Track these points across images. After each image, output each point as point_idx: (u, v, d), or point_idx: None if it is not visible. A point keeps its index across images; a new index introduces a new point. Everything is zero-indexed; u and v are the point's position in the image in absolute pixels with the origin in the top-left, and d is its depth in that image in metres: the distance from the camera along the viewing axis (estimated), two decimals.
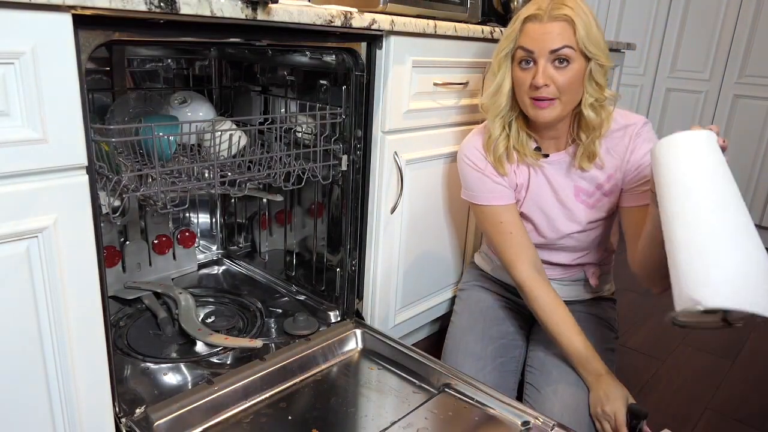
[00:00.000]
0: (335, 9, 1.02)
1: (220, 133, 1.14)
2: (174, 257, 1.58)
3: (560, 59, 1.05)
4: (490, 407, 1.07)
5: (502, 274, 1.36)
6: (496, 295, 1.36)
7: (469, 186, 1.25)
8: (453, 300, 1.56)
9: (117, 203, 0.98)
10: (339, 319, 1.36)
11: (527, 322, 1.34)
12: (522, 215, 1.25)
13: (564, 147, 1.18)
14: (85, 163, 0.77)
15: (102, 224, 0.84)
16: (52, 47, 0.70)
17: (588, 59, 1.07)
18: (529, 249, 1.22)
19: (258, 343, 1.18)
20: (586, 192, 1.18)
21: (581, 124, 1.13)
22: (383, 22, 1.10)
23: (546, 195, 1.21)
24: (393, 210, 1.27)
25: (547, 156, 1.19)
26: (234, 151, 1.18)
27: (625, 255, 1.15)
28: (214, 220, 1.72)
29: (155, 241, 1.53)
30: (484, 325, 1.30)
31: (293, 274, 1.56)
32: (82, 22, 0.73)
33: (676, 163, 0.86)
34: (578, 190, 1.18)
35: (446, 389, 1.12)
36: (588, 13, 1.06)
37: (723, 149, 0.88)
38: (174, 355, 1.20)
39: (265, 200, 1.57)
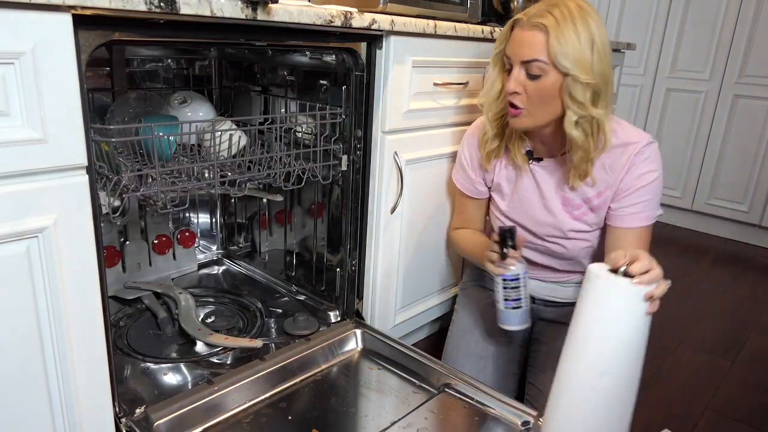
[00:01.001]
0: (335, 9, 1.02)
1: (220, 133, 1.14)
2: (174, 257, 1.58)
3: (532, 70, 1.02)
4: (490, 407, 1.07)
5: None
6: None
7: (457, 162, 1.31)
8: (453, 300, 1.56)
9: (117, 203, 0.98)
10: (339, 319, 1.36)
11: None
12: (506, 215, 1.25)
13: (557, 154, 1.15)
14: (85, 163, 0.77)
15: (102, 224, 0.84)
16: (52, 47, 0.70)
17: (565, 74, 1.00)
18: (469, 226, 1.33)
19: (258, 343, 1.18)
20: (573, 204, 1.15)
21: (571, 143, 1.07)
22: (383, 22, 1.10)
23: (533, 198, 1.19)
24: (393, 210, 1.27)
25: (540, 160, 1.17)
26: (234, 151, 1.18)
27: None
28: (214, 220, 1.72)
29: (155, 241, 1.53)
30: (485, 325, 1.29)
31: (293, 274, 1.56)
32: (82, 22, 0.73)
33: (589, 312, 0.85)
34: (565, 200, 1.16)
35: (446, 389, 1.12)
36: (576, 24, 0.98)
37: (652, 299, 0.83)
38: (174, 355, 1.20)
39: (265, 200, 1.57)
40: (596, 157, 1.08)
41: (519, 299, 1.11)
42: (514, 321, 1.13)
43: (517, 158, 1.18)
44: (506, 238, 1.08)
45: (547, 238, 1.20)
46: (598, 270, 0.85)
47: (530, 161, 1.18)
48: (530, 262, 1.29)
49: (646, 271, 0.84)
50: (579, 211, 1.15)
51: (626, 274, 0.84)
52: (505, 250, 1.08)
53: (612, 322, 0.82)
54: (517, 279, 1.10)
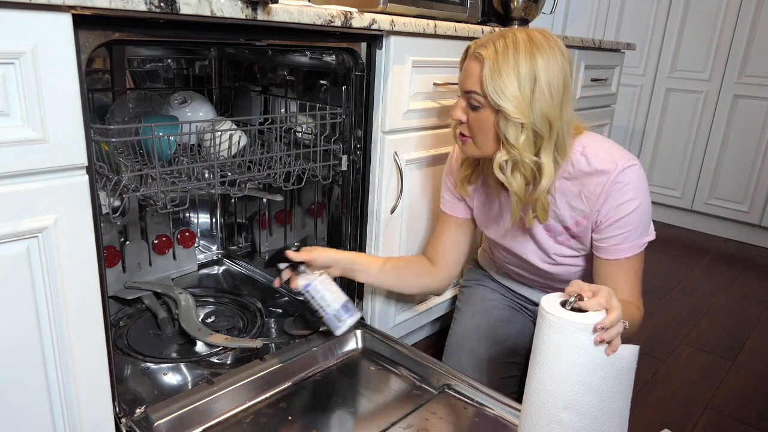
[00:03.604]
0: (335, 9, 1.02)
1: (220, 133, 1.14)
2: (174, 257, 1.58)
3: (471, 101, 0.98)
4: (490, 408, 1.07)
5: (505, 278, 1.36)
6: (500, 295, 1.36)
7: (442, 182, 1.26)
8: (453, 300, 1.56)
9: (117, 203, 0.98)
10: None
11: (531, 323, 1.34)
12: (495, 242, 1.23)
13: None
14: (85, 163, 0.77)
15: (102, 224, 0.84)
16: (52, 47, 0.70)
17: (496, 110, 0.94)
18: (434, 251, 1.25)
19: (258, 343, 1.18)
20: (555, 230, 1.11)
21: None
22: (383, 22, 1.10)
23: (516, 225, 1.15)
24: (393, 210, 1.27)
25: None
26: (234, 151, 1.18)
27: None
28: (214, 220, 1.72)
29: (155, 241, 1.53)
30: (488, 325, 1.29)
31: None
32: (82, 22, 0.73)
33: (540, 350, 0.80)
34: (546, 225, 1.12)
35: (446, 390, 1.12)
36: (519, 58, 0.91)
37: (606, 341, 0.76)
38: (174, 355, 1.20)
39: (265, 200, 1.57)
40: (538, 200, 1.01)
41: (316, 310, 1.15)
42: (330, 326, 1.16)
43: (492, 185, 1.13)
44: (277, 260, 1.14)
45: (536, 264, 1.18)
46: (547, 304, 0.80)
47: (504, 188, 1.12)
48: (528, 280, 1.28)
49: (600, 309, 0.77)
50: (562, 236, 1.11)
51: (575, 309, 0.78)
52: (281, 268, 1.14)
53: (562, 360, 0.78)
54: (302, 294, 1.15)
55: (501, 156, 0.97)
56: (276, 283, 1.16)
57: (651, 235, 1.04)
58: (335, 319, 1.15)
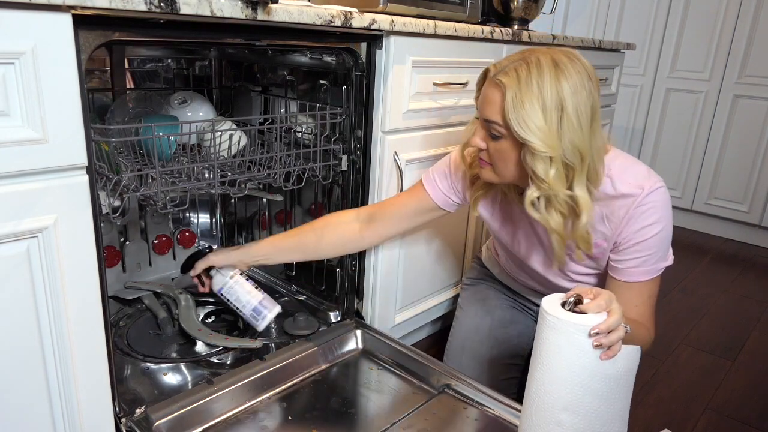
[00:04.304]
0: (335, 9, 1.02)
1: (220, 133, 1.14)
2: (174, 257, 1.58)
3: (491, 130, 0.91)
4: (490, 408, 1.07)
5: (508, 279, 1.35)
6: (503, 295, 1.35)
7: (438, 171, 1.15)
8: (454, 299, 1.56)
9: (117, 203, 0.98)
10: (339, 319, 1.36)
11: (534, 323, 1.33)
12: (511, 253, 1.20)
13: None
14: (85, 163, 0.77)
15: (102, 224, 0.84)
16: (52, 47, 0.70)
17: (521, 143, 0.87)
18: (382, 211, 1.16)
19: (258, 343, 1.18)
20: (571, 247, 1.04)
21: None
22: (383, 22, 1.10)
23: (532, 239, 1.12)
24: None
25: None
26: (234, 151, 1.18)
27: None
28: (214, 220, 1.72)
29: (155, 241, 1.53)
30: (491, 325, 1.29)
31: (293, 274, 1.56)
32: (82, 22, 0.73)
33: (539, 350, 0.80)
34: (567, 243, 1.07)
35: (446, 390, 1.12)
36: (543, 86, 0.84)
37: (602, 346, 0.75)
38: (174, 355, 1.20)
39: (265, 200, 1.57)
40: (579, 235, 0.94)
41: (234, 311, 1.22)
42: (251, 324, 1.22)
43: (513, 198, 1.07)
44: (189, 269, 1.21)
45: (550, 279, 1.15)
46: (548, 305, 0.79)
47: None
48: (537, 286, 1.26)
49: (600, 312, 0.77)
50: (577, 254, 1.07)
51: (574, 310, 0.78)
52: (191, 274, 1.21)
53: (562, 361, 0.77)
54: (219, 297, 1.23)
55: (532, 193, 0.89)
56: (200, 289, 1.24)
57: (669, 261, 1.00)
58: (253, 318, 1.20)
